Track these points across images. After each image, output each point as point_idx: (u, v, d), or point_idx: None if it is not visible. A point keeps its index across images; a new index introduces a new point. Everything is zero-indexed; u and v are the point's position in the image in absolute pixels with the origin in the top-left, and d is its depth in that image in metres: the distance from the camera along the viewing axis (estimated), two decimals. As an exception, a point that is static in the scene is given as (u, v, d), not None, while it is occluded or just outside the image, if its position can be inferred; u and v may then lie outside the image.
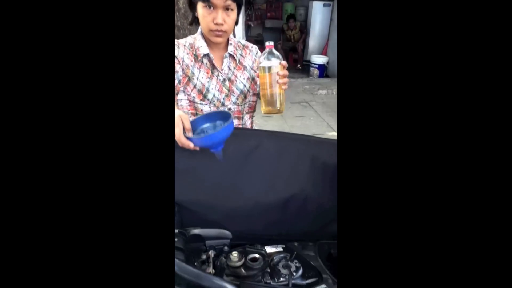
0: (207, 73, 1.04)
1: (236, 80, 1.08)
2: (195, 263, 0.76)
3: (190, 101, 1.06)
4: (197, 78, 1.03)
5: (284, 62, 0.88)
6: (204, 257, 0.76)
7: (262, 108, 0.94)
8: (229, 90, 1.07)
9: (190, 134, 0.73)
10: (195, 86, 1.03)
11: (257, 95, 1.17)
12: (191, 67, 1.02)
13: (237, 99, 1.09)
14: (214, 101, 1.06)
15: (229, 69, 1.07)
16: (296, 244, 0.91)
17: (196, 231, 0.86)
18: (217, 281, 0.68)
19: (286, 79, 0.89)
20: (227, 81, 1.07)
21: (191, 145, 0.74)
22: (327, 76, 5.75)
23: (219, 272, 0.75)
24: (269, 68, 0.87)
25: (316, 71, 5.64)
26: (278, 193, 0.95)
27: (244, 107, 1.13)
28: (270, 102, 0.90)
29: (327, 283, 0.77)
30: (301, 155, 0.97)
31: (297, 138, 1.01)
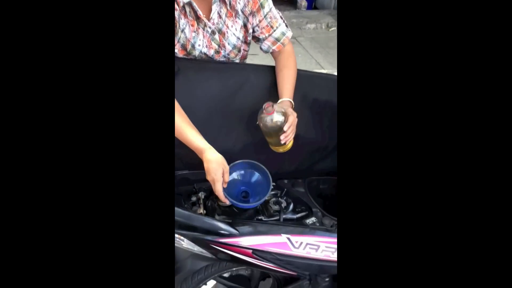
0: (192, 25, 0.83)
1: (227, 32, 0.85)
2: (185, 205, 0.76)
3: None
4: (182, 31, 0.83)
5: (290, 119, 0.76)
6: (194, 199, 0.76)
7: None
8: (219, 45, 0.87)
9: (225, 186, 0.72)
10: (178, 41, 0.84)
11: (249, 44, 0.98)
12: (177, 17, 0.81)
13: (228, 54, 0.89)
14: (201, 57, 0.88)
15: (220, 17, 0.83)
16: (286, 181, 0.92)
17: (184, 173, 0.85)
18: (209, 220, 0.68)
19: (292, 134, 0.78)
20: (217, 33, 0.85)
21: (227, 201, 0.72)
22: (315, 8, 5.31)
23: (211, 212, 0.75)
24: (274, 131, 0.76)
25: (304, 3, 5.17)
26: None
27: (236, 60, 0.95)
28: (278, 145, 0.80)
29: (316, 216, 0.79)
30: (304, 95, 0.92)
31: (307, 74, 0.93)
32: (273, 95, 0.87)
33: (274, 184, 0.87)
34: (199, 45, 0.84)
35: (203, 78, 0.83)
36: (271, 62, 0.93)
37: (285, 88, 0.85)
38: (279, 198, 0.80)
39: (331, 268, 0.80)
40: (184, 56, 0.86)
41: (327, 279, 0.89)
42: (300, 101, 0.91)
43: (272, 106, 0.73)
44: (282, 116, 0.74)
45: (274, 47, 0.89)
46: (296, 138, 0.93)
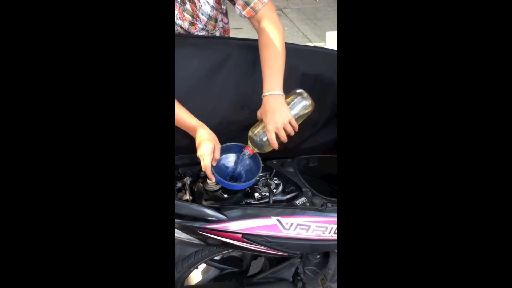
0: None
1: (199, 1, 0.77)
2: (171, 192, 0.73)
3: None
4: None
5: (274, 144, 0.70)
6: (179, 185, 0.73)
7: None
8: (193, 16, 0.79)
9: (214, 163, 0.68)
10: None
11: (227, 14, 0.88)
12: None
13: (206, 26, 0.81)
14: (178, 30, 0.81)
15: None
16: (274, 161, 0.89)
17: None
18: (195, 207, 0.66)
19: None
20: (188, 3, 0.77)
21: (213, 179, 0.68)
22: (302, -23, 5.07)
23: (198, 197, 0.72)
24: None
25: (289, -29, 4.92)
26: (254, 110, 0.88)
27: (216, 33, 0.87)
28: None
29: (306, 195, 0.78)
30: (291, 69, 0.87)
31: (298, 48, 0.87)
32: (259, 72, 0.82)
33: (263, 165, 0.84)
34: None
35: (180, 56, 0.77)
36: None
37: (266, 75, 0.72)
38: (268, 180, 0.78)
39: (322, 246, 0.80)
40: None
41: (318, 256, 0.90)
42: (287, 76, 0.87)
43: (251, 147, 0.71)
44: (267, 147, 0.72)
45: (244, 13, 0.76)
46: None
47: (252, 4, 0.74)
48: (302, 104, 0.72)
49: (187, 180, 0.74)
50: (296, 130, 0.71)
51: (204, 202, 0.71)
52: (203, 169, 0.66)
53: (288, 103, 0.71)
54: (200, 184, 0.75)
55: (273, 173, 0.81)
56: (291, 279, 0.94)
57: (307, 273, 0.90)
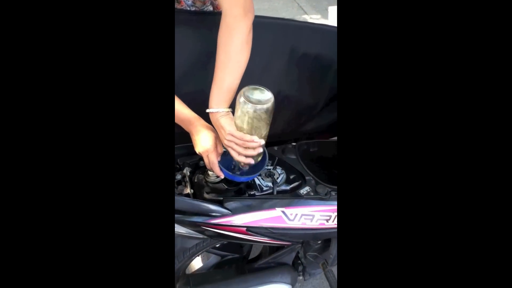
0: None
1: None
2: (170, 185, 0.69)
3: None
4: None
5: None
6: (179, 177, 0.69)
7: None
8: None
9: (219, 158, 0.63)
10: None
11: None
12: None
13: (193, 3, 0.72)
14: None
15: None
16: (276, 148, 0.86)
17: None
18: (198, 202, 0.63)
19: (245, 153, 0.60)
20: None
21: (221, 175, 0.63)
22: None
23: (198, 190, 0.69)
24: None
25: None
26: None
27: (207, 8, 0.77)
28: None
29: (310, 184, 0.75)
30: (278, 46, 0.80)
31: (272, 23, 0.79)
32: (260, 51, 0.74)
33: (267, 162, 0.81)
34: None
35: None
36: (260, 11, 0.78)
37: (214, 86, 0.60)
38: (271, 169, 0.75)
39: (325, 234, 0.80)
40: None
41: (319, 242, 0.90)
42: (288, 58, 0.81)
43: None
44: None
45: None
46: (281, 100, 0.84)
47: None
48: (247, 111, 0.56)
49: (187, 171, 0.70)
50: (248, 140, 0.58)
51: (205, 195, 0.68)
52: (209, 167, 0.63)
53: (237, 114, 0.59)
54: (201, 175, 0.72)
55: (275, 161, 0.78)
56: (292, 263, 0.94)
57: (308, 258, 0.91)
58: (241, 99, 0.56)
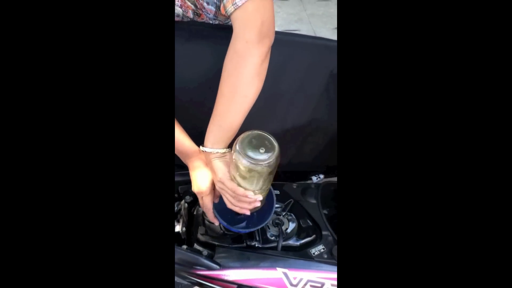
0: None
1: None
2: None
3: None
4: None
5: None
6: (175, 209, 0.61)
7: None
8: (196, 6, 0.60)
9: (216, 200, 0.56)
10: None
11: None
12: None
13: (216, 17, 0.62)
14: (181, 19, 0.63)
15: None
16: (295, 186, 0.74)
17: None
18: (184, 252, 0.54)
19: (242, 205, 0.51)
20: None
21: (215, 222, 0.57)
22: None
23: (195, 228, 0.61)
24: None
25: None
26: (277, 122, 0.73)
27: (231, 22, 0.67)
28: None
29: (325, 241, 0.63)
30: (315, 68, 0.68)
31: (310, 43, 0.68)
32: (295, 72, 0.66)
33: (278, 192, 0.70)
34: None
35: (192, 52, 0.61)
36: (314, 17, 0.67)
37: (212, 121, 0.52)
38: (281, 216, 0.64)
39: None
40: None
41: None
42: (326, 82, 0.69)
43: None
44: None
45: (218, 11, 0.57)
46: (315, 128, 0.73)
47: (224, 1, 0.49)
48: (242, 164, 0.46)
49: (184, 204, 0.62)
50: (240, 194, 0.49)
51: (199, 235, 0.59)
52: (203, 209, 0.54)
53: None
54: (200, 209, 0.63)
55: (289, 205, 0.67)
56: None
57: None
58: (237, 147, 0.46)
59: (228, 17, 0.51)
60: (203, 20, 0.63)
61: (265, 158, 0.45)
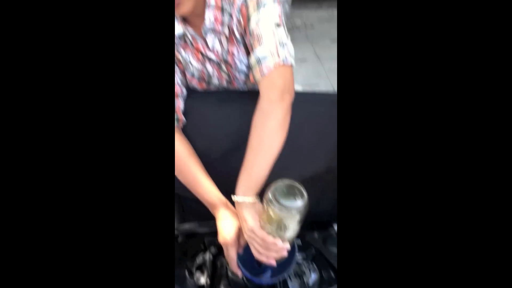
0: (196, 56, 0.67)
1: (235, 61, 0.67)
2: (189, 270, 0.65)
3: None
4: (189, 62, 0.68)
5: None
6: (199, 260, 0.65)
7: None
8: (229, 76, 0.70)
9: (240, 251, 0.59)
10: (193, 75, 0.70)
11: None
12: (181, 52, 0.68)
13: (245, 83, 0.73)
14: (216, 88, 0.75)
15: (222, 46, 0.65)
16: (316, 236, 0.75)
17: (190, 226, 0.73)
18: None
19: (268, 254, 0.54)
20: (223, 64, 0.68)
21: (238, 273, 0.59)
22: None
23: (217, 280, 0.63)
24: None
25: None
26: (297, 172, 0.77)
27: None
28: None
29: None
30: (330, 122, 0.73)
31: (329, 100, 0.74)
32: (312, 126, 0.71)
33: (299, 256, 0.71)
34: (214, 76, 0.72)
35: (222, 114, 0.71)
36: (306, 80, 0.75)
37: (243, 172, 0.57)
38: (303, 266, 0.65)
39: None
40: (206, 90, 0.74)
41: None
42: (322, 126, 0.73)
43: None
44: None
45: (247, 79, 0.67)
46: (333, 174, 0.75)
47: (254, 70, 0.58)
48: (273, 211, 0.49)
49: (209, 255, 0.66)
50: (269, 242, 0.52)
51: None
52: (227, 260, 0.58)
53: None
54: (224, 260, 0.66)
55: (312, 254, 0.68)
56: None
57: None
58: (269, 195, 0.50)
59: (256, 83, 0.61)
60: (234, 88, 0.74)
61: (297, 205, 0.49)
